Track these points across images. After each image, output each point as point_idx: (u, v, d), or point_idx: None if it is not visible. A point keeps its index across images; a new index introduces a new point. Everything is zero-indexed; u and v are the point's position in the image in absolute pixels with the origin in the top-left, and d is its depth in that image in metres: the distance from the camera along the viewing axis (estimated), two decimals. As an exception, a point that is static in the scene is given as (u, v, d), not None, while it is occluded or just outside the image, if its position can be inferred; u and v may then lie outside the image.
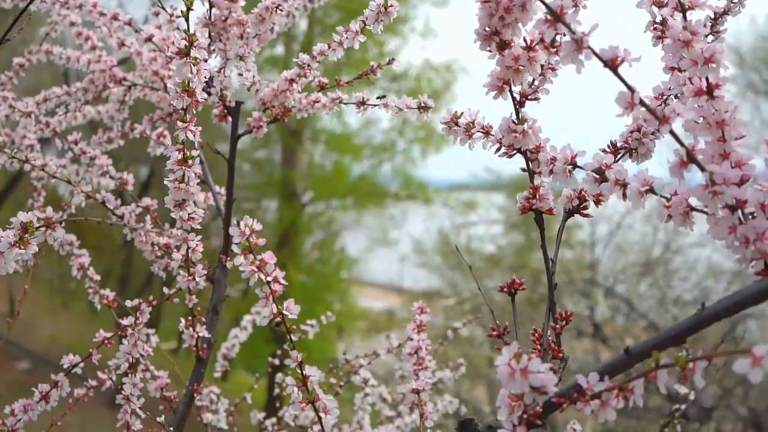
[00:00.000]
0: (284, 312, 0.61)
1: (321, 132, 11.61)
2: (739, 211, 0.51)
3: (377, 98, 0.95)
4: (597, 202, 0.66)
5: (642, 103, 0.49)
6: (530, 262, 8.67)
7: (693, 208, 0.53)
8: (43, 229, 0.67)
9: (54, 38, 1.29)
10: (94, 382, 1.11)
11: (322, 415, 0.63)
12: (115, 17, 1.07)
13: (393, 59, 0.97)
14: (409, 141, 11.53)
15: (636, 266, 6.81)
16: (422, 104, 0.80)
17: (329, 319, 1.42)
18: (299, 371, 0.63)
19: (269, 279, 0.61)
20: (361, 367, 1.32)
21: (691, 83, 0.54)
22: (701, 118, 0.53)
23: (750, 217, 0.51)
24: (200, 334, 0.95)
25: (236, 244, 0.60)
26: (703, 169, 0.50)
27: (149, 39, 1.03)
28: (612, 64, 0.50)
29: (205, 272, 0.89)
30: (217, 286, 1.00)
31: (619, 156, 0.67)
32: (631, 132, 0.66)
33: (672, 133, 0.50)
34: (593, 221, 7.56)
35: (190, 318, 0.95)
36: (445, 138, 0.69)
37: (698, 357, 0.44)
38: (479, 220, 10.06)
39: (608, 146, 0.67)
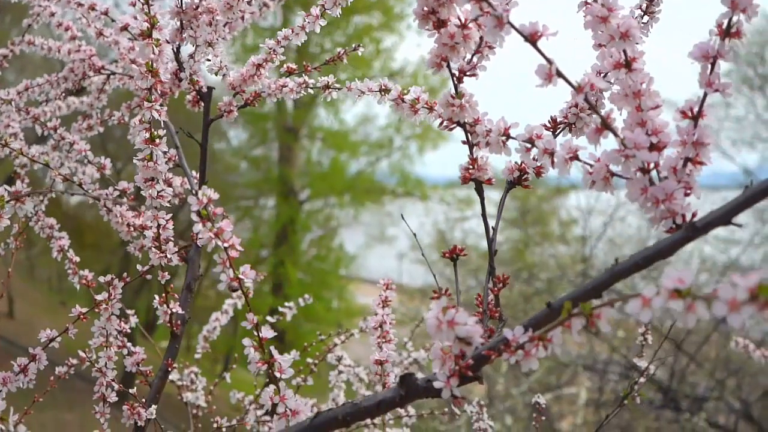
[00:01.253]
0: (240, 276, 0.65)
1: (318, 129, 11.66)
2: (654, 174, 0.55)
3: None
4: (537, 174, 0.70)
5: (559, 74, 0.53)
6: (526, 257, 8.72)
7: (613, 173, 0.57)
8: (12, 202, 0.71)
9: (43, 32, 1.33)
10: (74, 360, 1.14)
11: (277, 374, 0.67)
12: (92, 7, 1.11)
13: (359, 45, 1.00)
14: (405, 138, 11.58)
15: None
16: (383, 87, 0.84)
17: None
18: (256, 333, 0.67)
19: (227, 245, 0.65)
20: (336, 346, 1.36)
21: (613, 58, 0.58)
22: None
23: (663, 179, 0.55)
24: (174, 311, 0.99)
25: (194, 212, 0.64)
26: (616, 135, 0.54)
27: (125, 28, 1.06)
28: (532, 38, 0.54)
29: (177, 249, 0.93)
30: (191, 265, 1.04)
31: (558, 130, 0.71)
32: (570, 107, 0.70)
33: (587, 101, 0.54)
34: (586, 215, 7.59)
35: (163, 295, 0.99)
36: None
37: (602, 304, 0.48)
38: (473, 215, 10.09)
39: (548, 121, 0.71)
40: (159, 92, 0.76)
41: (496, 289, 0.65)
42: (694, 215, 0.53)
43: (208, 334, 1.47)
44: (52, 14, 1.20)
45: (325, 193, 11.48)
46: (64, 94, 1.21)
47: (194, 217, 0.64)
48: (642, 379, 1.07)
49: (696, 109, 0.55)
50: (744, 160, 8.49)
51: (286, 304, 1.42)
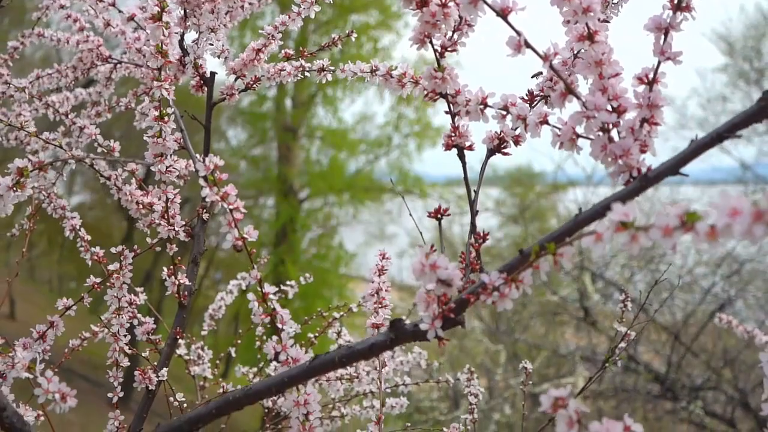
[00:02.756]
0: (245, 236, 0.72)
1: (317, 128, 11.72)
2: (614, 133, 0.62)
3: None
4: (516, 143, 0.77)
5: (527, 44, 0.60)
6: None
7: (578, 135, 0.64)
8: (36, 171, 0.77)
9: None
10: (87, 334, 1.21)
11: (279, 325, 0.74)
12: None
13: (352, 32, 1.07)
14: (404, 136, 11.64)
15: (625, 252, 6.93)
16: (374, 68, 0.90)
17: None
18: (259, 288, 0.74)
19: (232, 207, 0.71)
20: (335, 320, 1.42)
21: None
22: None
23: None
24: (181, 282, 1.06)
25: (202, 177, 0.70)
26: (579, 98, 0.61)
27: (131, 18, 1.13)
28: (503, 13, 0.60)
29: (184, 222, 1.00)
30: (197, 240, 1.10)
31: (535, 102, 0.77)
32: (546, 81, 0.77)
33: (552, 68, 0.61)
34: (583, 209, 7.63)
35: (171, 267, 1.05)
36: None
37: (562, 243, 0.54)
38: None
39: (526, 93, 0.78)
40: (168, 71, 0.82)
41: (477, 244, 0.71)
42: (649, 169, 0.60)
43: (213, 312, 1.54)
44: (62, 6, 1.27)
45: (324, 191, 11.53)
46: (73, 83, 1.27)
47: (202, 182, 0.71)
48: (623, 344, 1.13)
49: (651, 76, 0.62)
50: (741, 154, 8.56)
51: (288, 282, 1.49)
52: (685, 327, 6.33)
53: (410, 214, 1.11)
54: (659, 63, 0.62)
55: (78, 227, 1.19)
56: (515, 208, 11.00)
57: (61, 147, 1.07)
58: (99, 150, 1.22)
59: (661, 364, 6.66)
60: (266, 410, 1.57)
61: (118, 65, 1.27)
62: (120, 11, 1.17)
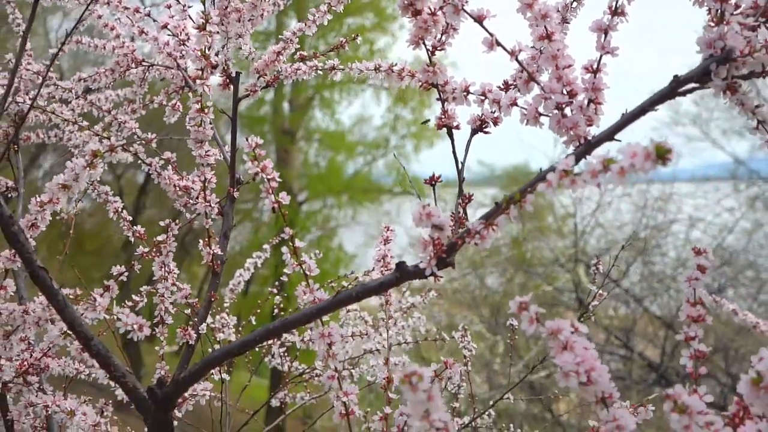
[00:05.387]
0: (280, 200, 0.90)
1: (314, 131, 11.90)
2: (567, 111, 0.80)
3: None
4: (495, 123, 0.94)
5: (498, 43, 0.78)
6: (525, 252, 8.95)
7: (540, 113, 0.82)
8: (108, 153, 0.95)
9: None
10: (129, 303, 1.38)
11: (307, 272, 0.92)
12: (137, 10, 1.35)
13: (357, 35, 1.25)
14: (401, 137, 11.83)
15: (619, 243, 7.12)
16: (377, 65, 1.08)
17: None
18: (291, 243, 0.92)
19: (269, 177, 0.89)
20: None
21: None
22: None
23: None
24: (215, 252, 1.24)
25: (246, 153, 0.88)
26: (538, 84, 0.79)
27: (165, 26, 1.31)
28: (479, 19, 0.78)
29: (218, 200, 1.18)
30: (226, 217, 1.28)
31: (509, 89, 0.95)
32: (516, 72, 0.95)
33: (518, 61, 0.79)
34: (577, 201, 7.84)
35: (206, 239, 1.23)
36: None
37: (524, 192, 0.72)
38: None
39: (502, 83, 0.96)
40: (209, 71, 1.00)
41: (463, 203, 0.89)
42: (593, 138, 0.78)
43: (233, 287, 1.72)
44: (100, 16, 1.45)
45: (323, 193, 11.69)
46: (112, 83, 1.45)
47: (245, 157, 0.89)
48: (596, 302, 1.31)
49: (595, 66, 0.80)
50: (734, 149, 8.75)
51: (285, 271, 1.66)
52: (678, 317, 6.51)
53: (419, 196, 1.29)
54: (601, 56, 0.80)
55: (120, 209, 1.37)
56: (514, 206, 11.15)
57: (108, 138, 1.25)
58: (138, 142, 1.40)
59: (656, 354, 6.85)
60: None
61: (150, 68, 1.45)
62: (155, 20, 1.35)
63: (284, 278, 1.90)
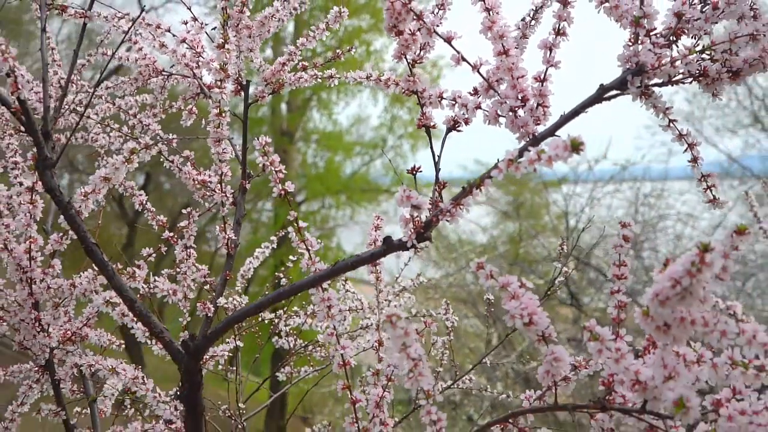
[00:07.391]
0: (286, 188, 1.09)
1: (312, 132, 12.08)
2: (520, 112, 0.99)
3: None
4: (466, 123, 1.14)
5: (463, 58, 0.97)
6: (521, 251, 9.14)
7: (498, 114, 1.01)
8: (143, 150, 1.14)
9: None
10: (149, 251, 1.57)
11: (309, 247, 1.11)
12: (158, 26, 1.54)
13: (351, 48, 1.44)
14: (398, 137, 12.02)
15: (609, 238, 7.31)
16: (368, 75, 1.27)
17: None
18: (296, 224, 1.11)
19: (277, 169, 1.08)
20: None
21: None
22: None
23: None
24: (230, 236, 1.43)
25: (257, 149, 1.07)
26: (496, 92, 0.98)
27: (183, 41, 1.50)
28: (448, 40, 0.97)
29: (233, 191, 1.37)
30: (239, 206, 1.47)
31: (477, 95, 1.14)
32: (481, 82, 1.14)
33: (479, 73, 0.98)
34: (568, 198, 8.05)
35: (222, 225, 1.42)
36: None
37: (487, 176, 0.91)
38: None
39: (472, 89, 1.15)
40: (226, 81, 1.20)
41: (439, 188, 1.08)
42: (538, 134, 0.97)
43: (244, 272, 1.92)
44: (125, 32, 1.64)
45: (321, 194, 11.85)
46: (136, 90, 1.64)
47: (257, 152, 1.08)
48: (560, 279, 1.50)
49: (542, 76, 0.99)
50: (727, 146, 8.94)
51: (291, 257, 1.86)
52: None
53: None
54: (546, 69, 0.99)
55: (145, 202, 1.56)
56: (510, 205, 11.40)
57: (135, 138, 1.44)
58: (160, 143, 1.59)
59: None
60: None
61: (170, 77, 1.64)
62: (174, 35, 1.54)
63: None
